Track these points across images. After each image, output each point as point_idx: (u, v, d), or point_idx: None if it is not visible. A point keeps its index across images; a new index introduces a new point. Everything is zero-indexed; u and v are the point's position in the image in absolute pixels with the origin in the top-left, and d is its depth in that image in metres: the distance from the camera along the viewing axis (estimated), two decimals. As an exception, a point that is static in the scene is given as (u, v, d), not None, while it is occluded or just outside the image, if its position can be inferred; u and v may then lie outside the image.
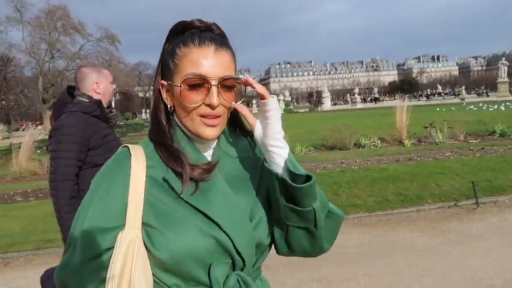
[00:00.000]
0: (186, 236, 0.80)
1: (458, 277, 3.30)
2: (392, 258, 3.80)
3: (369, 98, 77.20)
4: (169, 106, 0.90)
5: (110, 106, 2.38)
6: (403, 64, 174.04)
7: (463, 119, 14.02)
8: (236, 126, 1.00)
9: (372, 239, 4.35)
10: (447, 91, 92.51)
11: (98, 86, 2.29)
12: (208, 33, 0.87)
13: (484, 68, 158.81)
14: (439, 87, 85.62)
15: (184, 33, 0.88)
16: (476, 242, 4.07)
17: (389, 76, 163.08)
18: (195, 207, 0.83)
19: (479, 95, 59.25)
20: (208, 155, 0.92)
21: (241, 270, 0.87)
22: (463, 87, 69.65)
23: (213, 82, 0.83)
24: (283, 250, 0.95)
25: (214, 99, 0.83)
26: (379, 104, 52.97)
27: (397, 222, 4.90)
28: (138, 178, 0.84)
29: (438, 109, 27.62)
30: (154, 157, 0.87)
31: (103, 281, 0.80)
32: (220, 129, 0.89)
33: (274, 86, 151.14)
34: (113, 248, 0.81)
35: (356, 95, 58.72)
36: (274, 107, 0.86)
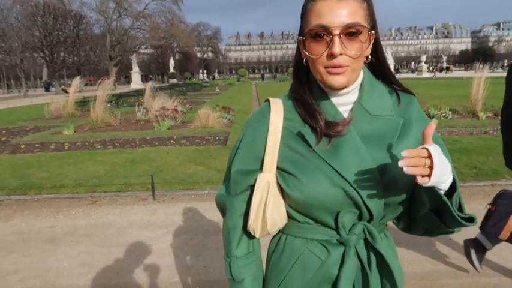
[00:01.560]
0: (318, 183, 0.88)
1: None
2: (465, 229, 3.71)
3: (432, 68, 71.36)
4: (304, 60, 0.94)
5: None
6: (479, 31, 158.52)
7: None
8: (380, 78, 1.00)
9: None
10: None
11: None
12: None
13: None
14: (520, 58, 77.43)
15: None
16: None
17: (462, 44, 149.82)
18: (326, 162, 0.89)
19: None
20: (345, 110, 0.94)
21: (368, 221, 0.92)
22: (549, 59, 62.41)
23: (335, 32, 0.83)
24: (400, 226, 1.02)
25: (336, 48, 0.83)
26: (448, 75, 49.33)
27: (470, 195, 4.73)
28: (275, 129, 0.94)
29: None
30: (293, 111, 0.96)
31: (246, 210, 0.99)
32: (349, 77, 0.88)
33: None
34: (254, 185, 0.98)
35: (423, 63, 55.09)
36: (436, 181, 0.77)
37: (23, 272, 3.19)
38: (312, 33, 0.86)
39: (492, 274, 2.91)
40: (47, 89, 48.37)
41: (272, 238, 1.06)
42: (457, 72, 57.08)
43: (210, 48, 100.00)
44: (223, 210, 1.06)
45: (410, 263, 3.09)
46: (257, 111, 1.00)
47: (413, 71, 69.05)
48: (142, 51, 69.15)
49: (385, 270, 0.94)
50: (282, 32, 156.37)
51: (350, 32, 0.84)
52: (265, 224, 0.96)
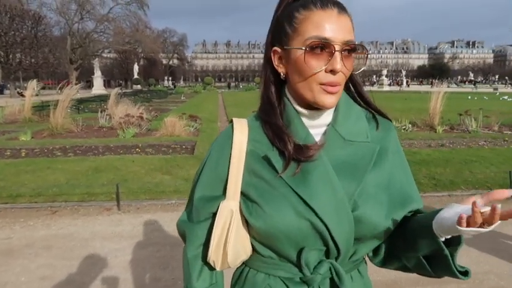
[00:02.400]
0: (282, 213, 0.81)
1: (493, 260, 3.38)
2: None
3: (394, 81, 74.46)
4: (282, 74, 0.86)
5: None
6: (435, 48, 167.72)
7: (497, 109, 13.65)
8: (356, 101, 0.93)
9: (405, 219, 4.44)
10: (479, 79, 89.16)
11: None
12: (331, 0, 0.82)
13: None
14: (471, 74, 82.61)
15: None
16: (506, 226, 4.10)
17: (420, 60, 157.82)
18: (293, 189, 0.82)
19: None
20: (318, 133, 0.88)
21: (336, 259, 0.85)
22: (497, 77, 67.01)
23: (337, 47, 0.78)
24: (376, 261, 0.94)
25: (338, 64, 0.78)
26: (407, 88, 51.67)
27: (429, 204, 4.95)
28: (239, 151, 0.87)
29: (469, 97, 26.82)
30: (261, 132, 0.89)
31: (208, 239, 0.91)
32: (339, 97, 0.84)
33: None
34: (217, 212, 0.90)
35: (384, 77, 57.30)
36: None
37: (-24, 288, 2.98)
38: (313, 44, 0.79)
39: (451, 280, 3.06)
40: (0, 92, 45.85)
41: (236, 269, 0.99)
42: (414, 87, 59.91)
43: (175, 55, 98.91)
44: (184, 237, 0.99)
45: (376, 272, 3.18)
46: (222, 133, 0.93)
47: (372, 84, 71.79)
48: (105, 55, 67.28)
49: None
50: (249, 42, 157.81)
51: (348, 49, 0.80)
52: (226, 257, 0.89)
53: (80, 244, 3.79)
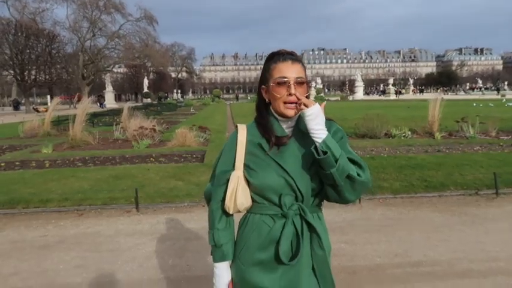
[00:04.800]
0: (268, 174, 1.45)
1: (468, 248, 3.84)
2: (411, 230, 4.36)
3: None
4: (267, 100, 1.52)
5: None
6: (443, 56, 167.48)
7: (499, 116, 13.99)
8: None
9: (394, 215, 4.91)
10: (487, 86, 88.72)
11: None
12: (288, 55, 1.49)
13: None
14: (480, 81, 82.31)
15: (274, 57, 1.51)
16: (490, 224, 4.55)
17: (427, 68, 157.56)
18: (275, 160, 1.45)
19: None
20: (288, 130, 1.51)
21: (302, 202, 1.45)
22: (506, 83, 66.76)
23: (291, 81, 1.43)
24: (325, 198, 1.51)
25: (292, 90, 1.43)
26: (414, 97, 51.88)
27: (420, 204, 5.41)
28: (241, 144, 1.51)
29: (475, 104, 27.06)
30: (256, 130, 1.53)
31: (225, 197, 1.53)
32: (296, 111, 1.44)
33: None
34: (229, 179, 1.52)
35: (390, 86, 57.63)
36: (311, 113, 1.38)
37: (22, 274, 3.54)
38: (277, 81, 1.45)
39: (428, 264, 3.53)
40: (16, 108, 47.28)
41: (241, 217, 1.57)
42: (421, 94, 59.93)
43: (184, 68, 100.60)
44: (209, 200, 1.59)
45: (363, 258, 3.67)
46: (231, 134, 1.57)
47: (379, 93, 72.23)
48: (115, 70, 68.80)
49: (315, 236, 1.46)
50: (256, 54, 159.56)
51: (299, 82, 1.45)
52: (236, 203, 1.47)
53: (106, 240, 4.34)
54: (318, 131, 1.38)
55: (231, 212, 1.52)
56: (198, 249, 3.97)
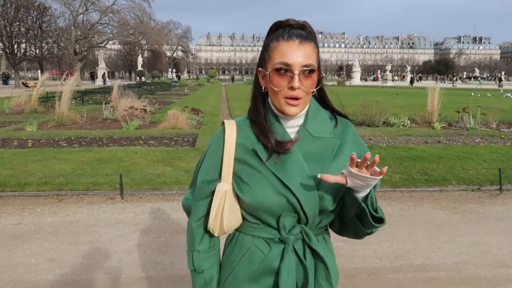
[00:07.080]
0: (265, 190, 1.08)
1: (473, 251, 3.58)
2: (412, 229, 4.09)
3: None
4: (263, 88, 1.13)
5: None
6: (441, 43, 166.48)
7: (498, 107, 13.75)
8: (323, 106, 1.19)
9: (394, 211, 4.64)
10: (485, 76, 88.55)
11: None
12: (296, 30, 1.07)
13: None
14: (477, 70, 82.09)
15: (278, 30, 1.09)
16: (494, 223, 4.29)
17: (425, 55, 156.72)
18: (274, 173, 1.08)
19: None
20: (292, 131, 1.13)
21: (305, 225, 1.11)
22: (503, 73, 66.62)
23: (296, 70, 1.03)
24: (335, 229, 1.22)
25: (296, 83, 1.03)
26: (413, 84, 51.51)
27: (420, 199, 5.15)
28: (230, 146, 1.13)
29: (472, 94, 26.84)
30: (249, 130, 1.14)
31: (208, 212, 1.17)
32: (302, 108, 1.08)
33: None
34: (214, 192, 1.15)
35: (388, 72, 57.18)
36: (374, 184, 1.01)
37: (-11, 268, 3.22)
38: (277, 67, 1.05)
39: (432, 268, 3.26)
40: (5, 82, 46.18)
41: (228, 235, 1.22)
42: (417, 82, 59.60)
43: (180, 47, 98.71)
44: (188, 212, 1.24)
45: (362, 259, 3.40)
46: (217, 132, 1.19)
47: (375, 80, 71.64)
48: (109, 46, 67.33)
49: (321, 266, 1.12)
50: (253, 35, 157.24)
51: (306, 71, 1.05)
52: (222, 225, 1.14)
53: (85, 230, 4.02)
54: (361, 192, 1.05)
55: (216, 235, 1.18)
56: (183, 244, 3.66)
